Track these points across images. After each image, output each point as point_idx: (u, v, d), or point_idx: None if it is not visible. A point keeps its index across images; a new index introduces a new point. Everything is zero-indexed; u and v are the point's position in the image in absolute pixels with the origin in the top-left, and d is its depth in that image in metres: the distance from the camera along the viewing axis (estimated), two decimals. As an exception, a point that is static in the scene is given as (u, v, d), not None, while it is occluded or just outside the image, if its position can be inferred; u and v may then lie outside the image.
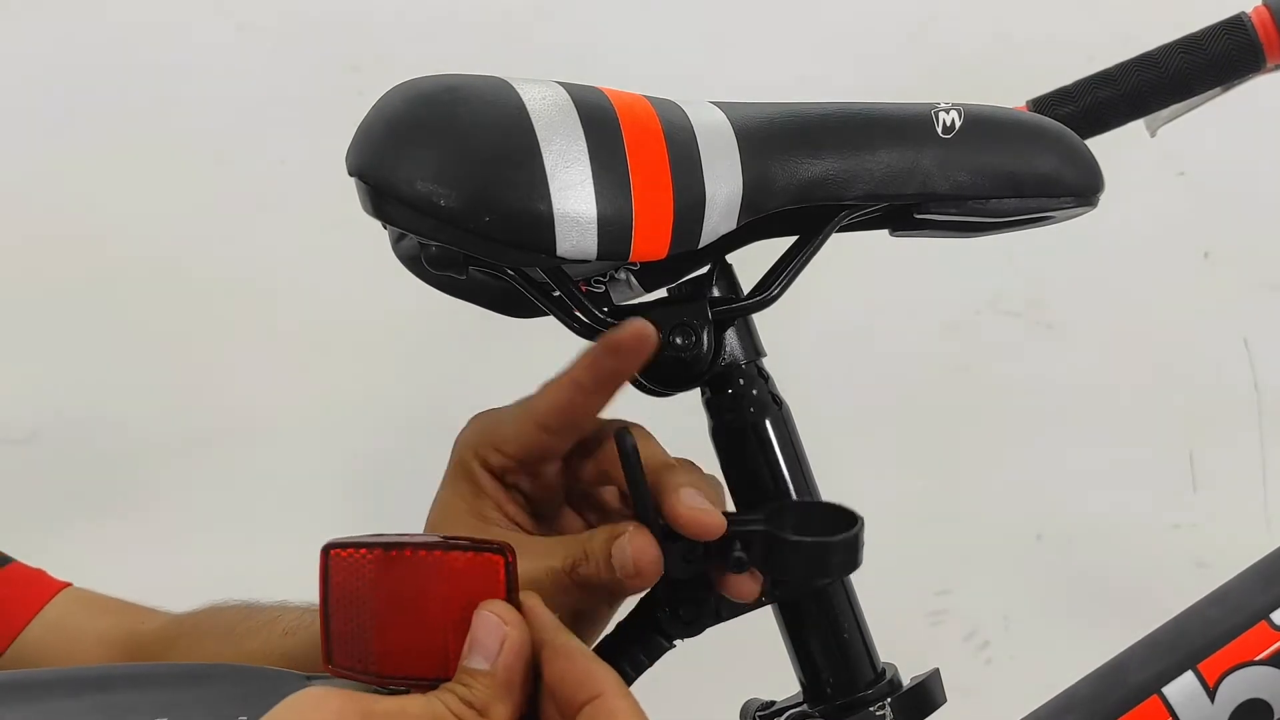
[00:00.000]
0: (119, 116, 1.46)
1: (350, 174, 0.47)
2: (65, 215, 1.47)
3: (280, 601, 0.81)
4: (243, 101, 1.47)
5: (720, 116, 0.50)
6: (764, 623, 0.56)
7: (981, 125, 0.53)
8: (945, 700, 0.55)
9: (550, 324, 0.53)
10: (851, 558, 0.51)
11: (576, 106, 0.47)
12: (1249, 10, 0.69)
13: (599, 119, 0.47)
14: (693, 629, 0.52)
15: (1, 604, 0.80)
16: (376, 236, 0.55)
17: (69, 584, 0.84)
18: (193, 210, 1.47)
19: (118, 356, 1.46)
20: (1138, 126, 0.75)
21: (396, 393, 1.50)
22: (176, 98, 1.47)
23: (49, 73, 1.47)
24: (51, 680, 0.59)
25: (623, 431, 0.48)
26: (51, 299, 1.46)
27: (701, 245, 0.49)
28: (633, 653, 0.52)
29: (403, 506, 1.52)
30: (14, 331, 1.45)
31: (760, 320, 0.55)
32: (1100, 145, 0.58)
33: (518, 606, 0.45)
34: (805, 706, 0.55)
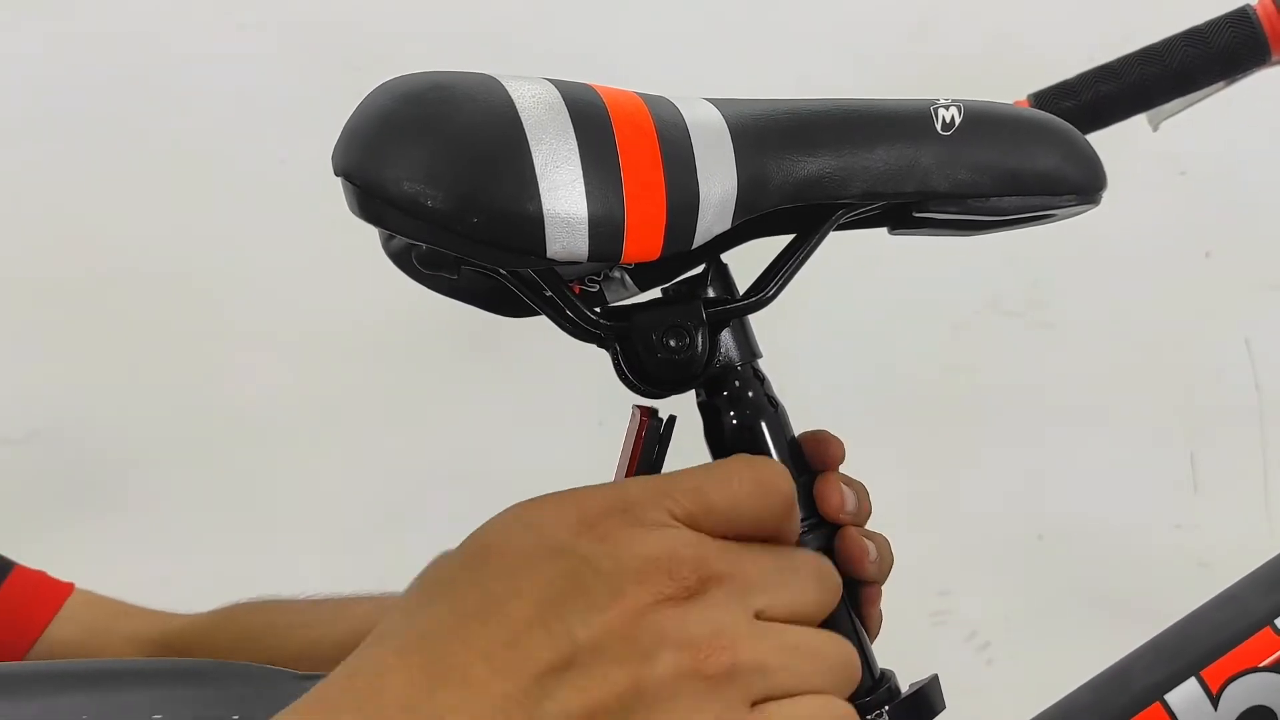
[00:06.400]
0: (118, 116, 1.46)
1: (336, 174, 0.46)
2: (65, 215, 1.47)
3: (304, 596, 0.82)
4: (242, 101, 1.47)
5: (714, 113, 0.49)
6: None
7: (982, 121, 0.52)
8: (945, 707, 0.54)
9: (544, 323, 0.52)
10: None
11: (567, 104, 0.46)
12: (1254, 3, 0.69)
13: (590, 116, 0.46)
14: None
15: (18, 607, 0.82)
16: (375, 236, 0.54)
17: (73, 585, 0.85)
18: (192, 210, 1.47)
19: (117, 357, 1.46)
20: (1138, 125, 0.74)
21: (395, 393, 1.49)
22: (176, 97, 1.47)
23: (48, 73, 1.46)
24: (47, 674, 0.58)
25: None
26: (51, 299, 1.46)
27: (695, 245, 0.48)
28: None
29: (403, 507, 1.52)
30: (13, 332, 1.45)
31: (756, 321, 0.54)
32: (1101, 144, 0.57)
33: None
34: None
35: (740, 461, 0.47)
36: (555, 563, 0.42)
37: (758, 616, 0.44)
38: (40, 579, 0.84)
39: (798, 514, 0.48)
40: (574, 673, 0.40)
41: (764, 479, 0.46)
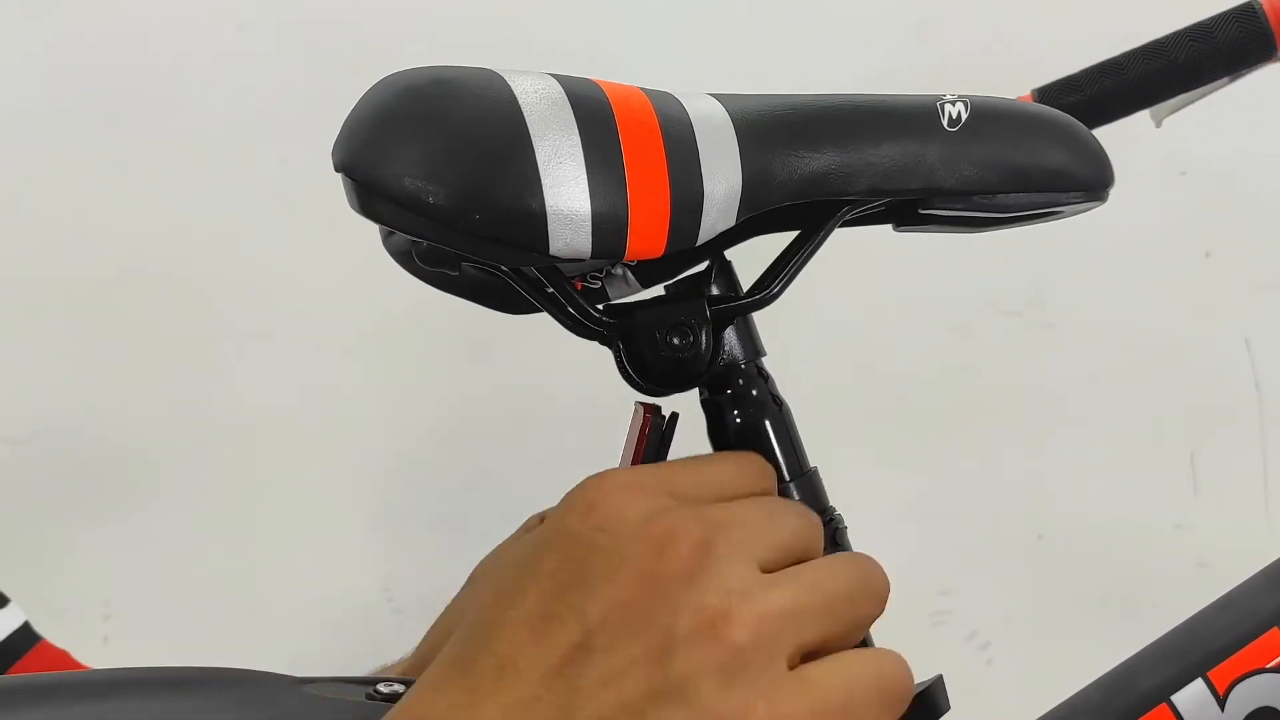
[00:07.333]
0: (118, 116, 1.46)
1: (336, 170, 0.46)
2: (65, 214, 1.46)
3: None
4: (243, 100, 1.47)
5: (719, 108, 0.49)
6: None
7: (989, 117, 0.52)
8: (949, 708, 0.54)
9: (545, 320, 0.52)
10: None
11: (570, 99, 0.46)
12: (1260, -4, 0.68)
13: (594, 111, 0.46)
14: None
15: None
16: (376, 234, 0.54)
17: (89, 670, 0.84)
18: (192, 210, 1.46)
19: (117, 357, 1.46)
20: (1138, 124, 0.74)
21: (395, 391, 1.49)
22: (176, 97, 1.47)
23: (48, 73, 1.46)
24: (47, 686, 0.58)
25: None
26: (51, 298, 1.46)
27: (699, 243, 0.48)
28: None
29: (404, 507, 1.52)
30: (13, 332, 1.45)
31: (759, 319, 0.54)
32: (1101, 143, 0.57)
33: None
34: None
35: (727, 453, 0.50)
36: (561, 549, 0.43)
37: (763, 570, 0.43)
38: (63, 659, 0.83)
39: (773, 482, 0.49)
40: (596, 656, 0.40)
41: (746, 461, 0.48)
